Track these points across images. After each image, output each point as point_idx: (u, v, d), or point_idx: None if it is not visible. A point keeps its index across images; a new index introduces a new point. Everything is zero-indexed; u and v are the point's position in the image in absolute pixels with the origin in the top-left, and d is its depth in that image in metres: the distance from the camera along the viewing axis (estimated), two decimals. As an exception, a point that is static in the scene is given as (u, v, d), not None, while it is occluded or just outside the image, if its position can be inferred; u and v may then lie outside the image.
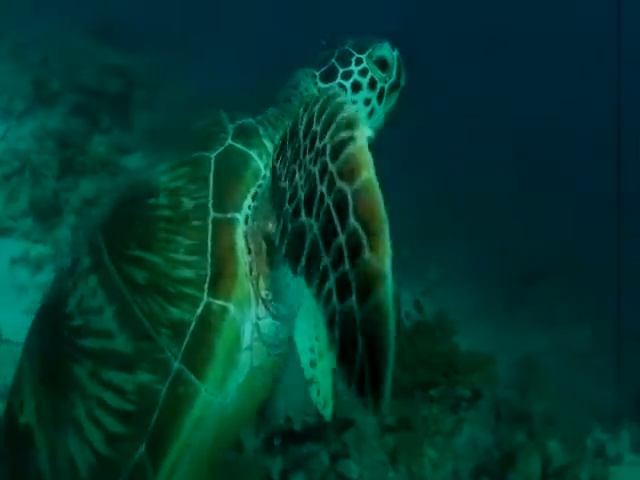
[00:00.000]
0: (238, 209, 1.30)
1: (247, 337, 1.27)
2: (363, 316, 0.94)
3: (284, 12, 11.77)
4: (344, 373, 0.95)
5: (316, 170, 1.10)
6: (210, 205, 1.30)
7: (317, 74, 1.47)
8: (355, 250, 0.98)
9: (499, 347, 4.33)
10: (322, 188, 1.08)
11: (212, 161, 1.35)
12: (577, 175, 8.62)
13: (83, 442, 1.28)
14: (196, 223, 1.29)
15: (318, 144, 1.12)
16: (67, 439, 1.29)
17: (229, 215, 1.30)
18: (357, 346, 0.93)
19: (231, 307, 1.25)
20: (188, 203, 1.30)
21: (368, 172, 1.01)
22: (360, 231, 0.98)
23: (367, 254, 0.96)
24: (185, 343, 1.23)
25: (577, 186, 8.41)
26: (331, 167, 1.06)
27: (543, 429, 3.72)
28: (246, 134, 1.40)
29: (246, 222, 1.30)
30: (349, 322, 0.95)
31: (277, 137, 1.41)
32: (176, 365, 1.23)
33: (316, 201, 1.09)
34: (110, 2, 8.29)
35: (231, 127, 1.41)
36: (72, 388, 1.30)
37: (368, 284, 0.94)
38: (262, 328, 1.30)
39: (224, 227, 1.29)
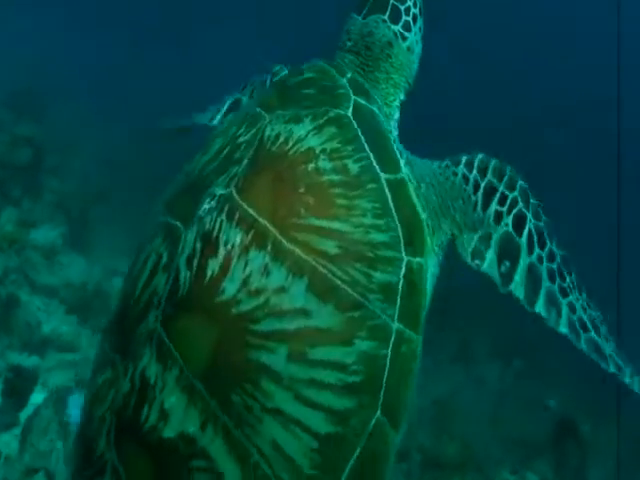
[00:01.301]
0: (400, 169, 1.34)
1: (430, 287, 1.36)
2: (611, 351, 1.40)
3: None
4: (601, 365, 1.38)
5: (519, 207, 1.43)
6: (376, 167, 1.29)
7: (386, 18, 1.53)
8: None
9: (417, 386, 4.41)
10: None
11: (352, 119, 1.33)
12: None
13: (294, 430, 1.14)
14: (371, 186, 1.27)
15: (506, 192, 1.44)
16: (269, 433, 1.13)
17: (398, 176, 1.32)
18: (606, 357, 1.38)
19: (424, 262, 1.29)
20: (353, 166, 1.27)
21: None
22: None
23: None
24: (398, 304, 1.22)
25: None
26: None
27: (453, 474, 3.84)
28: (362, 90, 1.44)
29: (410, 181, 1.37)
30: (598, 349, 1.39)
31: (375, 91, 1.51)
32: (395, 326, 1.21)
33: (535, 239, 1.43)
34: (19, 73, 8.26)
35: (344, 81, 1.42)
36: (261, 378, 1.14)
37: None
38: (434, 279, 1.41)
39: (399, 187, 1.30)
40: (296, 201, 1.22)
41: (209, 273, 1.19)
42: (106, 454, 1.20)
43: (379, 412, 1.18)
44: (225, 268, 1.18)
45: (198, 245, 1.22)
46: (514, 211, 1.40)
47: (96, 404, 1.26)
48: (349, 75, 1.46)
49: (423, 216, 1.35)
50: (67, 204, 6.16)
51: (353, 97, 1.39)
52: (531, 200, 1.43)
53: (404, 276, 1.24)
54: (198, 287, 1.19)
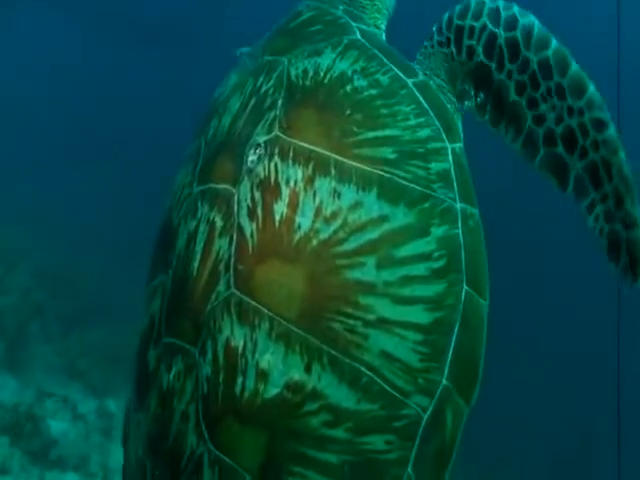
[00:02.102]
0: (417, 72, 1.41)
1: None
2: (628, 238, 1.31)
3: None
4: (612, 261, 1.33)
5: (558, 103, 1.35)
6: (402, 74, 1.36)
7: None
8: (619, 199, 1.31)
9: None
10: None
11: (364, 41, 1.39)
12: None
13: (399, 332, 1.16)
14: (404, 91, 1.33)
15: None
16: (376, 345, 1.14)
17: (420, 78, 1.39)
18: (621, 252, 1.31)
19: (460, 145, 1.35)
20: (383, 78, 1.33)
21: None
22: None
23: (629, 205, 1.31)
24: (455, 186, 1.29)
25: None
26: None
27: None
28: (358, 17, 1.51)
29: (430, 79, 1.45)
30: (616, 239, 1.33)
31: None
32: (458, 205, 1.29)
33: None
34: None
35: (341, 12, 1.47)
36: (357, 295, 1.15)
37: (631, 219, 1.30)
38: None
39: (425, 87, 1.37)
40: (345, 121, 1.26)
41: (277, 217, 1.18)
42: (199, 449, 1.15)
43: (465, 285, 1.23)
44: (293, 205, 1.18)
45: (257, 195, 1.20)
46: (483, 37, 1.40)
47: (169, 403, 1.20)
48: (342, 7, 1.50)
49: (449, 105, 1.43)
50: (4, 321, 5.99)
51: (354, 24, 1.44)
52: (502, 13, 1.39)
53: (453, 161, 1.31)
54: (269, 234, 1.17)
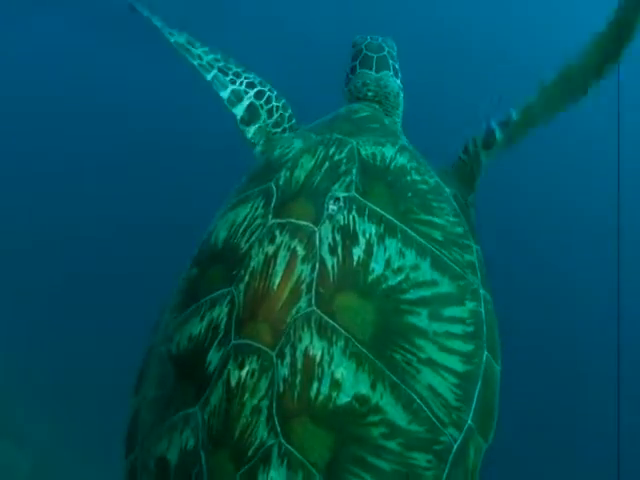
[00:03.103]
0: (451, 182, 1.76)
1: None
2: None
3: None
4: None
5: None
6: (441, 182, 1.71)
7: (392, 75, 2.09)
8: None
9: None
10: None
11: (410, 147, 1.78)
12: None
13: (442, 373, 1.44)
14: (445, 195, 1.68)
15: None
16: (425, 379, 1.41)
17: (452, 190, 1.73)
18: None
19: (480, 248, 1.69)
20: (431, 180, 1.69)
21: None
22: None
23: None
24: (479, 276, 1.62)
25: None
26: None
27: None
28: (398, 127, 2.03)
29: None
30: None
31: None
32: (482, 291, 1.61)
33: None
34: None
35: (389, 121, 1.94)
36: (413, 336, 1.43)
37: None
38: None
39: (456, 197, 1.72)
40: (408, 201, 1.58)
41: (355, 258, 1.45)
42: (268, 441, 1.29)
43: (486, 351, 1.53)
44: (369, 253, 1.46)
45: (337, 237, 1.47)
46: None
47: (239, 398, 1.33)
48: (387, 118, 1.96)
49: (471, 210, 1.76)
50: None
51: (400, 131, 1.93)
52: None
53: (477, 258, 1.64)
54: (348, 270, 1.43)
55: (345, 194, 1.54)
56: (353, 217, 1.50)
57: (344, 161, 1.62)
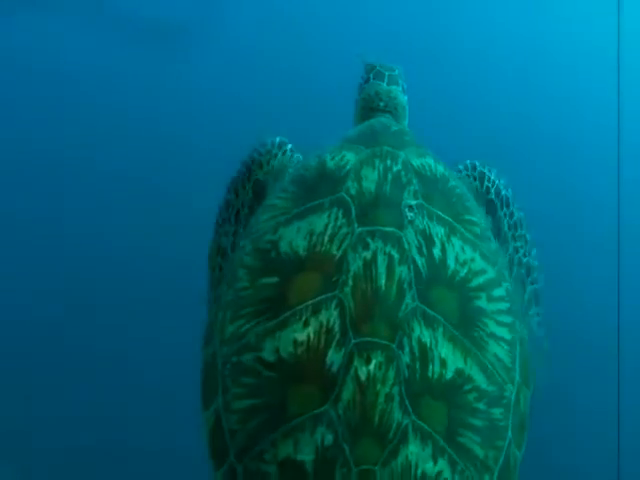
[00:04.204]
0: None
1: None
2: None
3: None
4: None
5: None
6: (466, 190, 1.93)
7: (401, 90, 2.25)
8: None
9: None
10: None
11: (435, 157, 1.93)
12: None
13: (498, 343, 1.67)
14: (469, 194, 1.92)
15: None
16: (492, 351, 1.65)
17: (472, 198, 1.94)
18: None
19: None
20: (461, 187, 1.89)
21: None
22: None
23: None
24: (501, 259, 1.88)
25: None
26: None
27: None
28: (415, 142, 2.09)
29: None
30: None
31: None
32: (505, 271, 1.85)
33: None
34: None
35: (394, 129, 2.03)
36: (480, 315, 1.65)
37: None
38: None
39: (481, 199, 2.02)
40: (456, 205, 1.80)
41: (436, 256, 1.66)
42: (404, 421, 1.48)
43: (518, 319, 1.78)
44: (444, 251, 1.68)
45: (420, 239, 1.67)
46: (494, 187, 2.16)
47: (372, 389, 1.51)
48: (396, 127, 2.09)
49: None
50: None
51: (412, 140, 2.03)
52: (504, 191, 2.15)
53: (496, 245, 1.93)
54: (433, 267, 1.65)
55: (415, 202, 1.73)
56: (427, 222, 1.71)
57: (402, 172, 1.79)
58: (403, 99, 2.25)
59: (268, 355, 1.61)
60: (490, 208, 2.07)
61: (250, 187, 2.29)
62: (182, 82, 5.40)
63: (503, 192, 2.11)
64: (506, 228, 2.09)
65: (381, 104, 2.21)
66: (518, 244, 2.12)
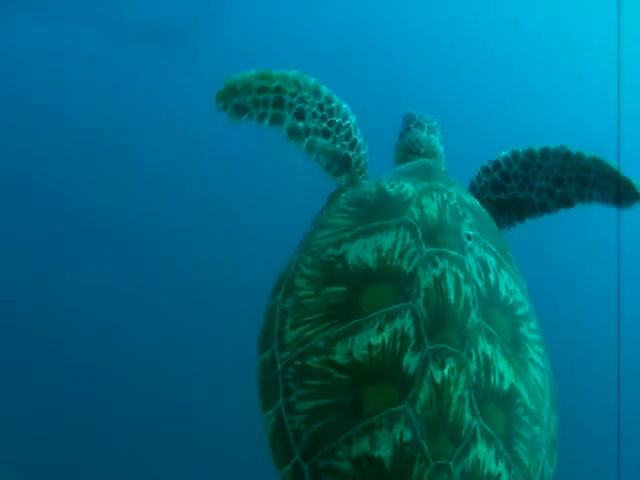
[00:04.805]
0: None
1: None
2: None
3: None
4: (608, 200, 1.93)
5: None
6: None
7: (438, 140, 2.38)
8: None
9: None
10: None
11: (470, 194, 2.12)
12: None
13: (535, 368, 1.83)
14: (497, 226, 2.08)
15: None
16: (529, 372, 1.81)
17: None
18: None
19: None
20: (491, 220, 2.04)
21: None
22: None
23: None
24: (527, 294, 1.98)
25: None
26: None
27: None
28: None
29: None
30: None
31: None
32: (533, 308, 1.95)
33: None
34: None
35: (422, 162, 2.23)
36: (523, 341, 1.83)
37: None
38: None
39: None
40: (498, 239, 1.97)
41: (491, 282, 1.84)
42: (473, 422, 1.63)
43: (546, 351, 1.91)
44: (495, 278, 1.85)
45: (478, 264, 1.84)
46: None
47: (447, 391, 1.65)
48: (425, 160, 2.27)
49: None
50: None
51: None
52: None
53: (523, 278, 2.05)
54: (489, 290, 1.81)
55: (471, 232, 1.89)
56: (482, 250, 1.88)
57: (458, 206, 1.95)
58: (440, 148, 2.38)
59: (340, 358, 1.68)
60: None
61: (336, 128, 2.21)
62: (182, 82, 5.40)
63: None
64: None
65: (422, 150, 2.34)
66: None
